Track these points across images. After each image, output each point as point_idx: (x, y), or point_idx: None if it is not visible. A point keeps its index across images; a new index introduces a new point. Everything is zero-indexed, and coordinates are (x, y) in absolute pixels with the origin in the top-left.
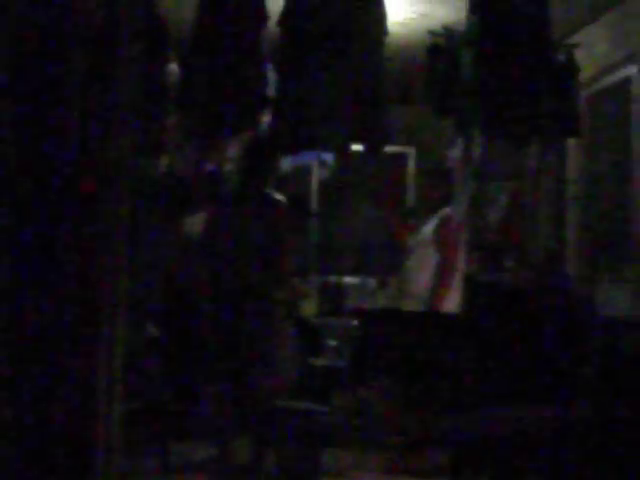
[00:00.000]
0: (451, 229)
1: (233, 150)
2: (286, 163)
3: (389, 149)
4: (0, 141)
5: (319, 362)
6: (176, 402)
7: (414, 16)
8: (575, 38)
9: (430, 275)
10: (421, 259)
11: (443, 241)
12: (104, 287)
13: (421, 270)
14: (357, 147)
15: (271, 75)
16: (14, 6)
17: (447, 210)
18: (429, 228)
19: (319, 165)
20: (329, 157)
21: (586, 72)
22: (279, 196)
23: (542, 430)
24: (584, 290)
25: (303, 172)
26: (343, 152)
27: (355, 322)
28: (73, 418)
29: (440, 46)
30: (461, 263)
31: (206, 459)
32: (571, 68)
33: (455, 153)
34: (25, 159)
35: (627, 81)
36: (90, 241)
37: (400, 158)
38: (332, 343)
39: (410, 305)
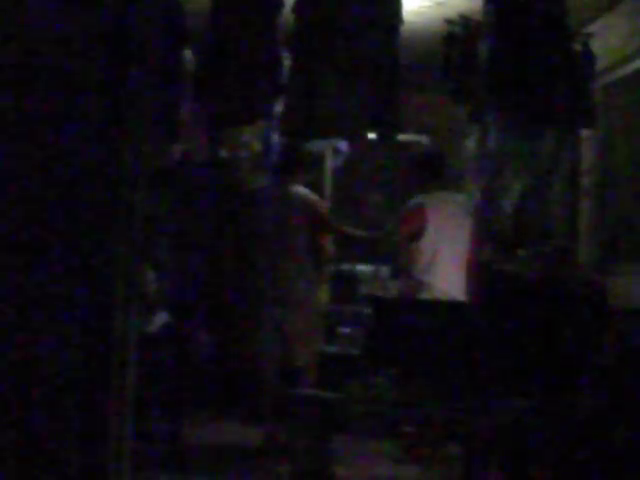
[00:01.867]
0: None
1: (246, 137)
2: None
3: (403, 137)
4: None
5: (332, 349)
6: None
7: (430, 4)
8: (590, 28)
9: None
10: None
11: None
12: (118, 279)
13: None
14: (371, 135)
15: (285, 63)
16: None
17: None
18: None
19: (333, 153)
20: (343, 145)
21: (602, 62)
22: (311, 194)
23: (555, 420)
24: (599, 280)
25: (316, 160)
26: (357, 140)
27: (368, 310)
28: (84, 406)
29: (456, 35)
30: (460, 250)
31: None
32: (587, 58)
33: (470, 142)
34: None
35: None
36: (106, 233)
37: (414, 146)
38: (345, 330)
39: (424, 293)
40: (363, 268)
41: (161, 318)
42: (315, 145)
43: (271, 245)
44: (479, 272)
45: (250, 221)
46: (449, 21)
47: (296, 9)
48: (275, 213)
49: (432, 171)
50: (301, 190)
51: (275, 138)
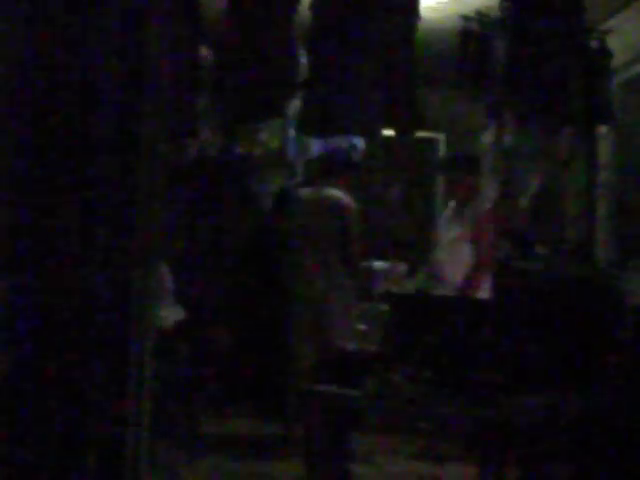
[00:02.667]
0: (485, 225)
1: (263, 135)
2: (316, 147)
3: (419, 134)
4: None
5: (349, 346)
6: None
7: (446, 1)
8: (607, 24)
9: (464, 270)
10: (455, 253)
11: (479, 238)
12: (135, 275)
13: (456, 264)
14: (388, 132)
15: (302, 59)
16: None
17: (480, 204)
18: (462, 223)
19: (350, 149)
20: (360, 141)
21: (618, 59)
22: (347, 198)
23: (570, 417)
24: (617, 277)
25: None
26: (374, 137)
27: (385, 306)
28: (103, 395)
29: (473, 31)
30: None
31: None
32: (604, 54)
33: (486, 138)
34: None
35: None
36: (123, 226)
37: (430, 143)
38: (362, 327)
39: (441, 291)
40: (379, 264)
41: (176, 314)
42: (332, 142)
43: (299, 246)
44: (497, 269)
45: (275, 219)
46: (465, 17)
47: (313, 6)
48: (305, 214)
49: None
50: (334, 193)
51: (292, 135)
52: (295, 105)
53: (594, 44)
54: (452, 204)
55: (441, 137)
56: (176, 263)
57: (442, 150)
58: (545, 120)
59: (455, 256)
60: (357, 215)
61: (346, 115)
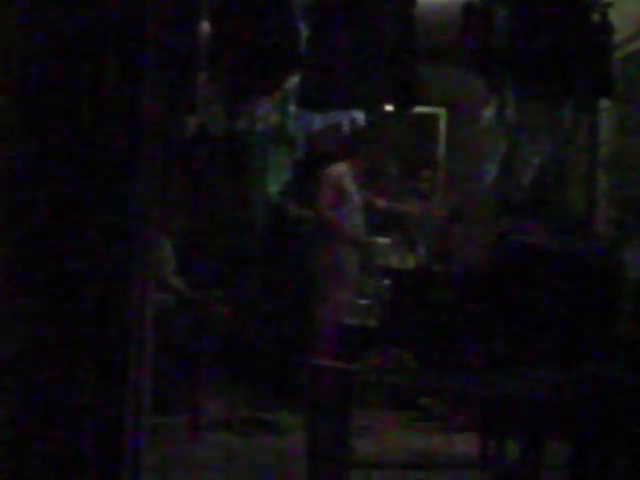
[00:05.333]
0: None
1: (263, 110)
2: (316, 121)
3: (420, 109)
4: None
5: (350, 321)
6: None
7: None
8: None
9: None
10: None
11: None
12: (135, 250)
13: None
14: (388, 106)
15: (302, 34)
16: None
17: None
18: None
19: (350, 124)
20: (360, 116)
21: (620, 33)
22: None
23: (573, 391)
24: (614, 252)
25: (333, 131)
26: (374, 111)
27: (386, 281)
28: (102, 377)
29: (474, 4)
30: None
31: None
32: (605, 28)
33: (488, 113)
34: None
35: None
36: (122, 203)
37: (431, 118)
38: (363, 302)
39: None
40: (380, 240)
41: (178, 284)
42: (332, 117)
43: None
44: (498, 243)
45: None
46: None
47: None
48: None
49: None
50: (331, 167)
51: (292, 110)
52: (295, 79)
53: (596, 18)
54: None
55: (442, 112)
56: (178, 239)
57: (443, 125)
58: (547, 95)
59: None
60: (325, 184)
61: (346, 89)
